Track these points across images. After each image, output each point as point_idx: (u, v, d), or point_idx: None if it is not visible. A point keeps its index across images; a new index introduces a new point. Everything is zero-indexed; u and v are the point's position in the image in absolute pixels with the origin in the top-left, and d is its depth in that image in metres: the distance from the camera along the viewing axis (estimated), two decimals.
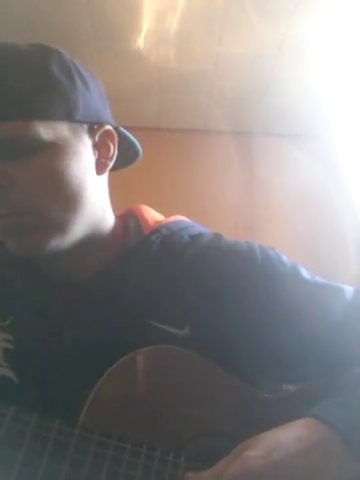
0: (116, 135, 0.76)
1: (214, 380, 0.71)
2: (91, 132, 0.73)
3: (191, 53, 2.25)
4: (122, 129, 0.79)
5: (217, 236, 0.82)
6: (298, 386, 0.77)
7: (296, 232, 2.65)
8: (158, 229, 0.79)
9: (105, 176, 0.78)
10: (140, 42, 2.17)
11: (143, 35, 2.13)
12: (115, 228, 0.79)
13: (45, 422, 0.60)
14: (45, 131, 0.66)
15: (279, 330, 0.74)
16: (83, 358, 0.68)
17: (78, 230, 0.71)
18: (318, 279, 0.80)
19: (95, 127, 0.73)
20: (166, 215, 0.85)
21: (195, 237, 0.81)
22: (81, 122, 0.71)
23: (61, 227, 0.69)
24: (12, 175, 0.66)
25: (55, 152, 0.68)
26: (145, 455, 0.62)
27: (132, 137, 0.80)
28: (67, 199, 0.69)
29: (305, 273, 0.79)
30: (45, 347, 0.70)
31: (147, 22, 2.06)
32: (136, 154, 0.83)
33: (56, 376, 0.68)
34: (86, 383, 0.64)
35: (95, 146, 0.74)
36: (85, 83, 0.72)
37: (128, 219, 0.82)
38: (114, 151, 0.76)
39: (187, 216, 0.88)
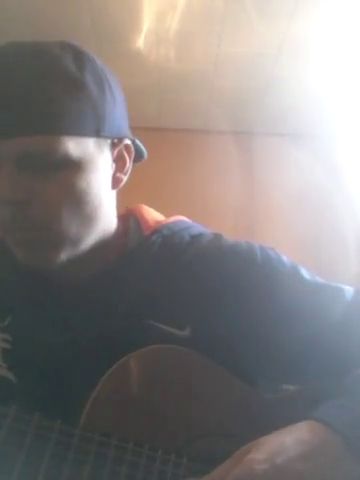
0: (133, 149, 0.76)
1: (215, 380, 0.71)
2: (112, 146, 0.72)
3: (191, 53, 2.25)
4: (137, 141, 0.78)
5: (217, 236, 0.82)
6: (298, 386, 0.77)
7: (296, 232, 2.65)
8: (159, 229, 0.79)
9: (115, 191, 0.77)
10: (140, 42, 2.17)
11: (143, 35, 2.13)
12: (116, 229, 0.79)
13: (46, 422, 0.60)
14: (74, 148, 0.65)
15: (279, 330, 0.74)
16: (83, 359, 0.68)
17: (89, 242, 0.72)
18: (318, 279, 0.80)
19: (116, 141, 0.73)
20: (166, 215, 0.85)
21: (195, 237, 0.81)
22: (107, 137, 0.70)
23: (75, 243, 0.69)
24: (34, 190, 0.65)
25: (79, 169, 0.66)
26: (146, 455, 0.62)
27: (142, 146, 0.79)
28: (85, 217, 0.69)
29: (305, 273, 0.79)
30: (44, 348, 0.70)
31: (147, 22, 2.06)
32: (140, 157, 0.82)
33: (56, 377, 0.68)
34: (86, 384, 0.64)
35: (113, 160, 0.73)
36: (113, 94, 0.71)
37: (128, 219, 0.82)
38: (130, 165, 0.76)
39: (187, 216, 0.88)
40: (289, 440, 0.59)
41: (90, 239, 0.71)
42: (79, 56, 0.68)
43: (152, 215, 0.83)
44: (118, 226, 0.80)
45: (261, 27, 2.04)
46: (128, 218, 0.82)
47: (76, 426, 0.61)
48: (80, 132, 0.66)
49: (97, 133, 0.68)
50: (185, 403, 0.67)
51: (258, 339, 0.74)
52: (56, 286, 0.74)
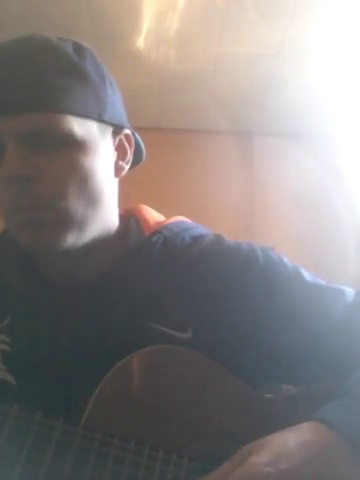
0: (133, 141, 0.78)
1: (216, 380, 0.71)
2: (114, 134, 0.74)
3: (191, 53, 2.25)
4: (137, 135, 0.80)
5: (218, 237, 0.82)
6: (300, 387, 0.77)
7: (296, 232, 2.65)
8: (159, 230, 0.78)
9: (117, 180, 0.78)
10: (140, 42, 2.17)
11: (143, 35, 2.14)
12: (117, 229, 0.79)
13: (48, 421, 0.60)
14: (78, 127, 0.67)
15: (281, 332, 0.74)
16: (83, 360, 0.68)
17: (93, 229, 0.72)
18: (319, 281, 0.79)
19: (117, 129, 0.75)
20: (166, 215, 0.85)
21: (196, 238, 0.80)
22: (109, 123, 0.72)
23: (80, 224, 0.69)
24: (39, 167, 0.66)
25: (84, 149, 0.68)
26: (148, 455, 0.62)
27: (141, 141, 0.81)
28: (90, 197, 0.69)
29: (306, 275, 0.79)
30: (44, 349, 0.70)
31: (147, 22, 2.07)
32: (140, 158, 0.83)
33: (56, 378, 0.68)
34: (86, 385, 0.64)
35: (115, 148, 0.75)
36: (113, 87, 0.74)
37: (128, 220, 0.82)
38: (130, 155, 0.78)
39: (187, 216, 0.87)
40: (292, 442, 0.59)
41: (95, 225, 0.71)
42: (79, 47, 0.71)
43: (152, 215, 0.83)
44: (119, 226, 0.79)
45: (261, 27, 2.04)
46: (128, 218, 0.82)
47: (78, 426, 0.61)
48: (84, 113, 0.68)
49: (99, 116, 0.70)
50: (186, 403, 0.67)
51: (259, 340, 0.74)
52: (56, 287, 0.74)
